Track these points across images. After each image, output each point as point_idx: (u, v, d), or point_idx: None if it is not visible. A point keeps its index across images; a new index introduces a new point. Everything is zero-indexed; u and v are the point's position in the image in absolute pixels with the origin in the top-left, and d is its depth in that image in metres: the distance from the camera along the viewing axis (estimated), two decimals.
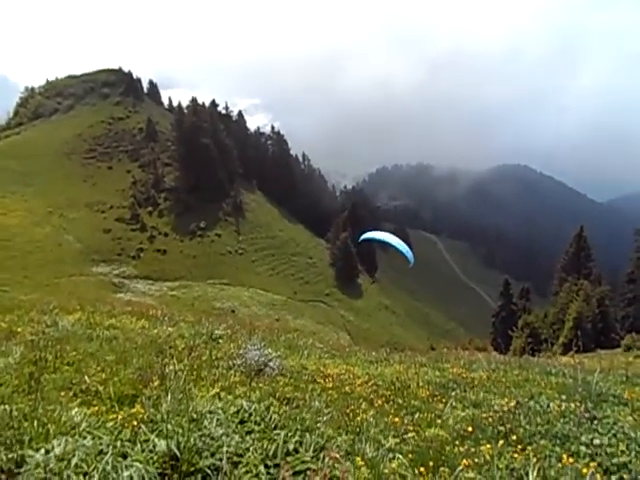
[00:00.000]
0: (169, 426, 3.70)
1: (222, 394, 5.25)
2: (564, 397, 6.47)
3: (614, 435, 5.03)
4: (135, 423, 4.06)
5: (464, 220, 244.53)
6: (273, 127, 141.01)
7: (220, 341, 9.61)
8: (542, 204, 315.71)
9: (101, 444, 3.41)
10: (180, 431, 3.60)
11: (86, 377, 5.04)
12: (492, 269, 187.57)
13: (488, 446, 4.51)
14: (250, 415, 4.12)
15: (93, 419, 4.21)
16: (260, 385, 6.10)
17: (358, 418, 5.12)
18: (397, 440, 4.71)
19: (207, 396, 4.85)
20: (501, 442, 4.63)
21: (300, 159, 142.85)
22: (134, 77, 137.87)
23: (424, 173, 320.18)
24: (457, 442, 4.73)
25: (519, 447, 4.61)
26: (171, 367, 6.81)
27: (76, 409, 4.37)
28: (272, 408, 4.35)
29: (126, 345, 8.46)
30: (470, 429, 5.15)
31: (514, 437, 4.83)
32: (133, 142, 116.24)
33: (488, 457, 4.33)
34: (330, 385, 7.17)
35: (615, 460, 4.55)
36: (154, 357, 7.67)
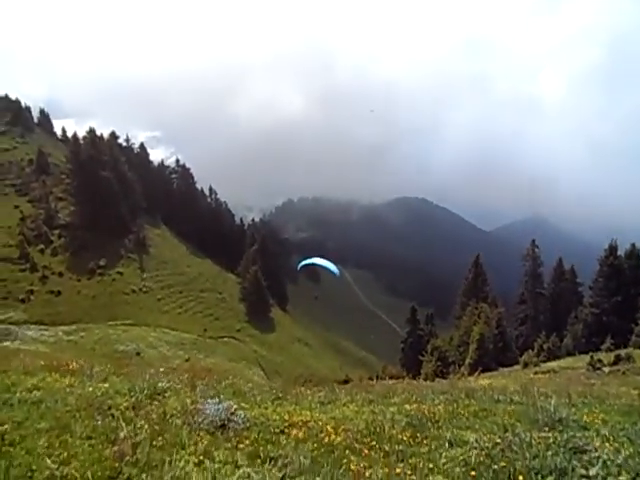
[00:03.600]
0: None
1: (206, 462, 4.64)
2: (546, 429, 6.60)
3: (604, 464, 5.18)
4: None
5: (367, 251, 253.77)
6: (178, 160, 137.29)
7: (165, 395, 8.70)
8: (438, 234, 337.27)
9: None
10: None
11: (47, 460, 4.15)
12: (396, 297, 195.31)
13: None
14: None
15: None
16: (240, 446, 5.50)
17: (367, 474, 4.74)
18: None
19: (201, 470, 4.23)
20: None
21: (207, 192, 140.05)
22: (23, 105, 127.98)
23: (328, 205, 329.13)
24: None
25: None
26: (126, 432, 5.98)
27: None
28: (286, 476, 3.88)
29: (59, 408, 7.34)
30: (473, 473, 5.01)
31: (520, 478, 4.76)
32: (22, 175, 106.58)
33: None
34: (301, 436, 6.72)
35: None
36: (97, 421, 6.72)
